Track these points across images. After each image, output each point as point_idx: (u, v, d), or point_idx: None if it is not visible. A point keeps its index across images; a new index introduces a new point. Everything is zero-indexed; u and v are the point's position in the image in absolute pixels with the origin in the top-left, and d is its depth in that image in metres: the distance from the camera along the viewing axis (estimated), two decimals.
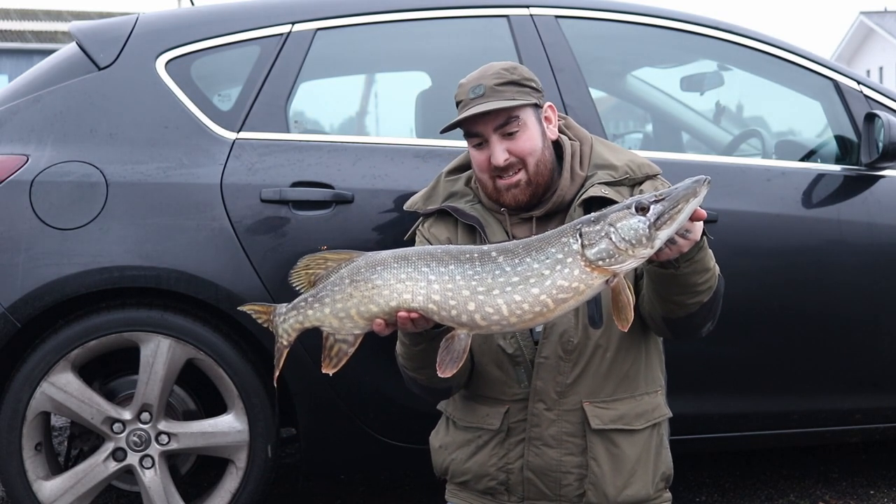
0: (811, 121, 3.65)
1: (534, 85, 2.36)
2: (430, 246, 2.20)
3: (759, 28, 4.05)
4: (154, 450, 2.87)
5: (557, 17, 3.17)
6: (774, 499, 3.43)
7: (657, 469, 2.38)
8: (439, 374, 2.04)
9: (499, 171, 2.32)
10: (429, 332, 2.14)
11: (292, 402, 2.94)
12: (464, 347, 2.03)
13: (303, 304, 2.10)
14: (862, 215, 3.12)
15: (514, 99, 2.30)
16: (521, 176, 2.32)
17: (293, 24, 3.07)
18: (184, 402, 3.08)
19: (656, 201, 1.94)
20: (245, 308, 2.19)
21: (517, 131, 2.31)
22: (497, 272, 2.00)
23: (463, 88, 2.35)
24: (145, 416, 2.86)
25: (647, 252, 1.95)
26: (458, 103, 2.36)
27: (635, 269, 2.31)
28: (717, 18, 3.33)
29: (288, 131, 3.01)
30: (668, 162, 2.87)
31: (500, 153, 2.30)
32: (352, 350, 2.09)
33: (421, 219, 2.50)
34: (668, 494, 2.42)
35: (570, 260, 1.97)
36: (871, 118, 3.16)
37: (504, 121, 2.30)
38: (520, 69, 2.37)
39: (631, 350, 2.35)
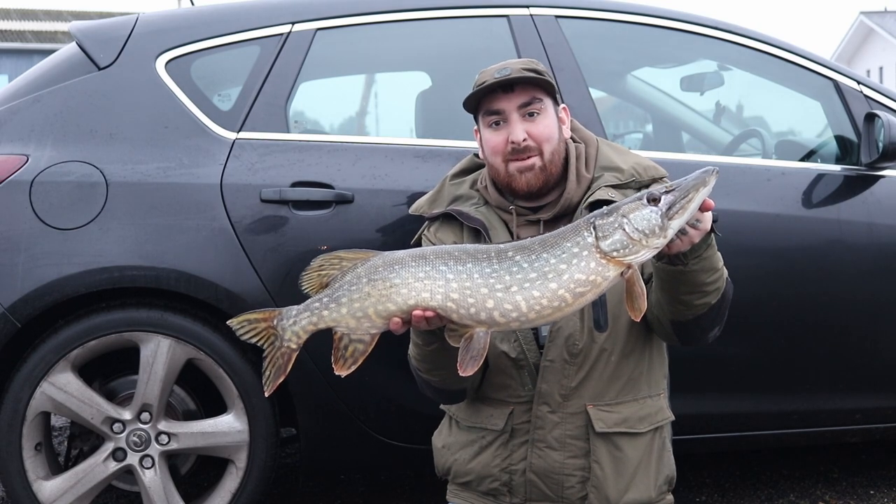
0: (811, 121, 3.65)
1: (553, 82, 2.38)
2: (448, 245, 2.19)
3: (759, 28, 4.05)
4: (154, 450, 2.87)
5: (557, 17, 3.17)
6: (774, 499, 3.43)
7: (659, 472, 2.38)
8: (460, 373, 2.03)
9: (515, 153, 2.31)
10: (442, 330, 2.13)
11: (292, 402, 2.94)
12: (483, 345, 2.03)
13: (317, 304, 2.06)
14: (862, 215, 3.12)
15: (539, 77, 2.31)
16: (536, 160, 2.32)
17: (293, 24, 3.07)
18: (184, 402, 3.08)
19: (667, 192, 1.97)
20: (235, 322, 2.11)
21: (538, 114, 2.32)
22: (514, 269, 2.01)
23: (486, 73, 2.34)
24: (145, 416, 2.86)
25: (660, 242, 1.97)
26: (477, 87, 2.34)
27: (642, 273, 2.32)
28: (717, 18, 3.33)
29: (288, 131, 3.01)
30: (669, 162, 2.86)
31: (519, 131, 2.30)
32: (368, 350, 2.07)
33: (426, 223, 2.49)
34: (671, 497, 2.42)
35: (585, 253, 1.98)
36: (871, 118, 3.16)
37: (528, 100, 2.31)
38: (541, 65, 2.39)
39: (635, 353, 2.35)
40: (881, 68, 37.65)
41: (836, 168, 3.23)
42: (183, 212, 2.84)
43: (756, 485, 3.58)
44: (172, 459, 3.02)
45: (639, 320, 2.02)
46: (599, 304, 2.28)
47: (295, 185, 2.89)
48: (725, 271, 2.23)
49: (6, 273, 2.78)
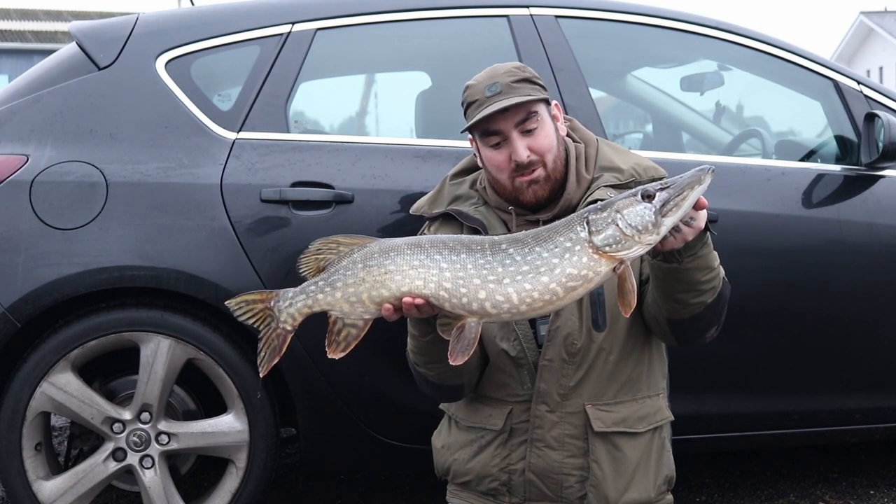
0: (811, 121, 3.65)
1: (542, 83, 2.38)
2: (443, 235, 2.21)
3: (759, 28, 4.05)
4: (154, 450, 2.87)
5: (557, 17, 3.17)
6: (774, 499, 3.43)
7: (659, 472, 2.38)
8: (450, 362, 2.05)
9: (520, 169, 2.32)
10: (436, 320, 2.14)
11: (292, 402, 2.94)
12: (474, 335, 2.05)
13: (312, 287, 2.10)
14: (862, 215, 3.12)
15: (530, 95, 2.30)
16: (541, 172, 2.33)
17: (293, 24, 3.07)
18: (184, 402, 3.08)
19: (661, 189, 1.98)
20: (233, 302, 2.14)
21: (536, 128, 2.31)
22: (507, 261, 2.03)
23: (475, 88, 2.34)
24: (145, 416, 2.86)
25: (652, 238, 1.97)
26: (469, 104, 2.35)
27: (641, 273, 2.32)
28: (717, 18, 3.33)
29: (288, 131, 3.01)
30: (668, 162, 2.86)
31: (522, 149, 2.30)
32: (361, 335, 2.09)
33: (427, 222, 2.50)
34: (670, 497, 2.42)
35: (578, 248, 2.00)
36: (871, 118, 3.16)
37: (524, 116, 2.31)
38: (528, 68, 2.39)
39: (634, 353, 2.35)
40: (881, 68, 37.64)
41: (836, 168, 3.23)
42: (183, 212, 2.84)
43: (756, 485, 3.58)
44: (172, 459, 3.02)
45: (628, 316, 2.03)
46: (598, 304, 2.29)
47: (295, 185, 2.89)
48: (722, 271, 2.23)
49: (6, 273, 2.78)
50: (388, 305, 2.06)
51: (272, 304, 2.12)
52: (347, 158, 2.95)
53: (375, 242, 2.09)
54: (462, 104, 2.38)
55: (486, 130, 2.33)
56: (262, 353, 2.13)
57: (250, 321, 2.14)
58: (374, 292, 2.06)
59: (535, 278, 2.01)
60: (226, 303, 2.17)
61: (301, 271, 2.13)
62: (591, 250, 1.99)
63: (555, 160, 2.34)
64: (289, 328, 2.12)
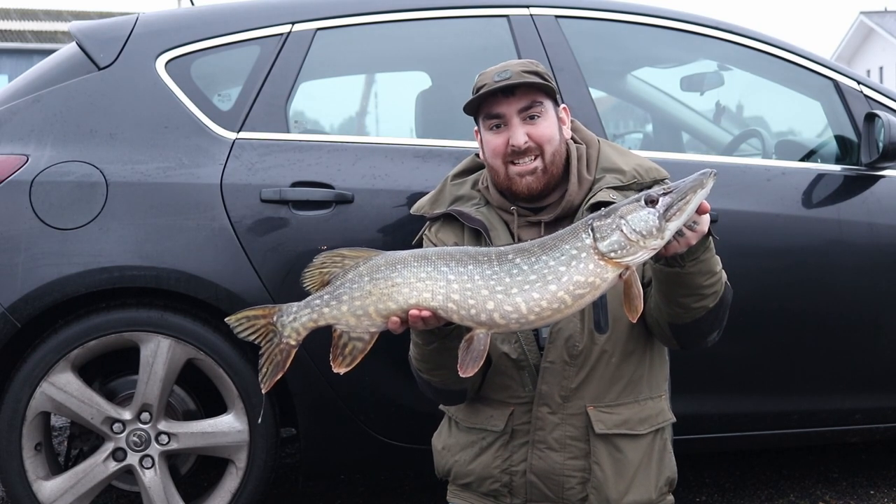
0: (811, 121, 3.66)
1: (553, 83, 2.38)
2: (449, 247, 2.20)
3: (759, 28, 4.05)
4: (154, 450, 2.87)
5: (557, 17, 3.17)
6: (774, 499, 3.43)
7: (660, 474, 2.38)
8: (461, 374, 2.04)
9: (515, 156, 2.32)
10: (441, 329, 2.14)
11: (292, 402, 2.94)
12: (483, 346, 2.04)
13: (318, 301, 2.07)
14: (862, 215, 3.13)
15: (537, 81, 2.31)
16: (538, 164, 2.33)
17: (293, 24, 3.07)
18: (184, 402, 3.08)
19: (665, 194, 1.98)
20: (233, 319, 2.11)
21: (539, 117, 2.32)
22: (514, 271, 2.02)
23: (485, 75, 2.35)
24: (145, 416, 2.86)
25: (657, 243, 1.97)
26: (477, 90, 2.35)
27: (643, 276, 2.32)
28: (718, 18, 3.34)
29: (288, 131, 3.01)
30: (669, 162, 2.87)
31: (520, 134, 2.30)
32: (367, 348, 2.08)
33: (428, 223, 2.50)
34: (671, 498, 2.42)
35: (584, 255, 1.99)
36: (871, 118, 3.16)
37: (528, 104, 2.31)
38: (541, 66, 2.39)
39: (635, 355, 2.35)
40: (881, 68, 37.64)
41: (836, 168, 3.23)
42: (183, 212, 2.84)
43: (756, 485, 3.58)
44: (172, 459, 3.02)
45: (635, 321, 2.03)
46: (600, 306, 2.29)
47: (295, 185, 2.89)
48: (724, 275, 2.24)
49: (6, 273, 2.78)
50: (394, 318, 2.05)
51: (275, 318, 2.09)
52: (347, 158, 2.95)
53: (381, 255, 2.07)
54: (472, 92, 2.38)
55: (489, 113, 2.34)
56: (264, 369, 2.10)
57: (251, 337, 2.11)
58: (381, 305, 2.04)
59: (543, 287, 2.00)
60: (225, 319, 2.15)
61: (305, 285, 2.10)
62: (596, 257, 1.98)
63: (553, 154, 2.34)
64: (293, 343, 2.09)
